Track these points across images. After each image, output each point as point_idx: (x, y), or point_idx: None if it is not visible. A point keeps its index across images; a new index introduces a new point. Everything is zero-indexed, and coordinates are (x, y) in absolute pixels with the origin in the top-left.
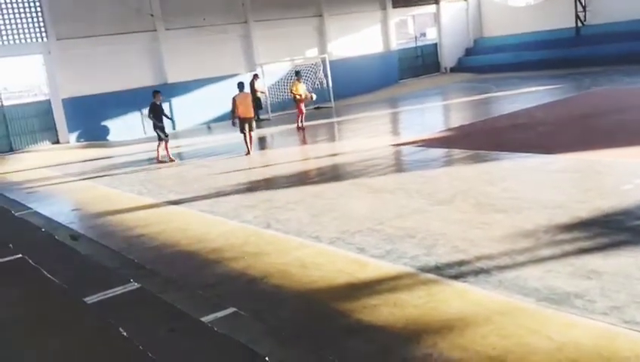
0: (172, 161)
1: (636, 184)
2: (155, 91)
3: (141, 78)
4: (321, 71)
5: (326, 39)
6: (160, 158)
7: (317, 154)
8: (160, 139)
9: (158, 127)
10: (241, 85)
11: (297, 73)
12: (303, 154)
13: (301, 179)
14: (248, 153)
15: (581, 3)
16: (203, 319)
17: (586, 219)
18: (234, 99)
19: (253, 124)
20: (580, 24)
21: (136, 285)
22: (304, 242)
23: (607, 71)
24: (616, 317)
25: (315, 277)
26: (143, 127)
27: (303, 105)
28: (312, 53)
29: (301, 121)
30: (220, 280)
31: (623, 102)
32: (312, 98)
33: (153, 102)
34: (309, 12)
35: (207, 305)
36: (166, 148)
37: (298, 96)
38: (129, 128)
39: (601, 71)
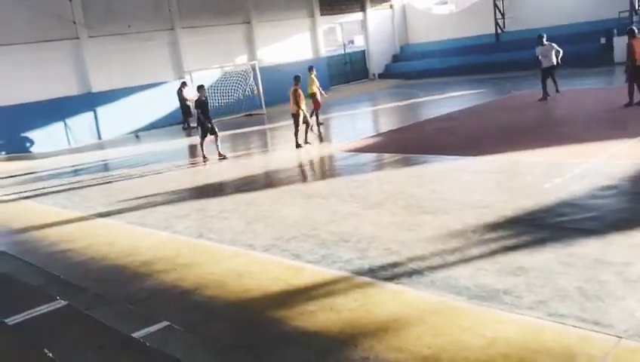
0: (223, 157)
1: (555, 183)
2: (200, 86)
3: (64, 86)
4: (252, 77)
5: (255, 46)
6: (205, 155)
7: (250, 161)
8: (206, 135)
9: (205, 123)
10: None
11: (310, 68)
12: (235, 161)
13: (235, 186)
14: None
15: (500, 10)
16: (134, 335)
17: (511, 218)
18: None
19: (299, 119)
20: (499, 31)
21: (62, 302)
22: (238, 251)
23: (526, 75)
24: (542, 310)
25: (249, 285)
26: (68, 137)
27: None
28: (242, 59)
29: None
30: (151, 293)
31: (541, 105)
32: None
33: (199, 97)
34: (238, 19)
35: (138, 319)
36: (214, 144)
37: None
38: (53, 139)
39: (520, 75)
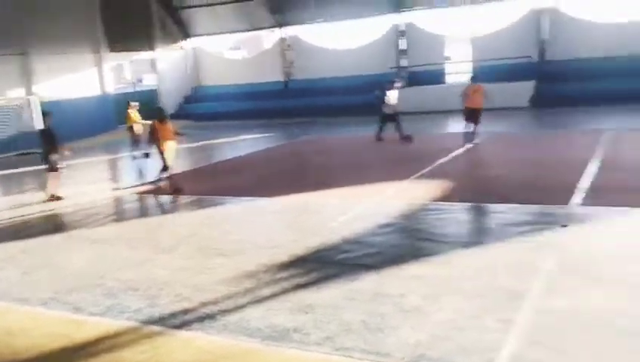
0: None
1: (340, 221)
2: (44, 112)
3: None
4: (30, 113)
5: (33, 80)
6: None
7: (29, 204)
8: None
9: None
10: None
11: (128, 103)
12: (9, 204)
13: (9, 233)
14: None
15: (287, 60)
16: None
17: (301, 256)
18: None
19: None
20: (287, 78)
21: None
22: (10, 306)
23: (314, 121)
24: (329, 346)
25: (23, 345)
26: None
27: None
28: (17, 93)
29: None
30: None
31: (329, 149)
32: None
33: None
34: (11, 50)
35: None
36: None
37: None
38: None
39: (308, 121)
